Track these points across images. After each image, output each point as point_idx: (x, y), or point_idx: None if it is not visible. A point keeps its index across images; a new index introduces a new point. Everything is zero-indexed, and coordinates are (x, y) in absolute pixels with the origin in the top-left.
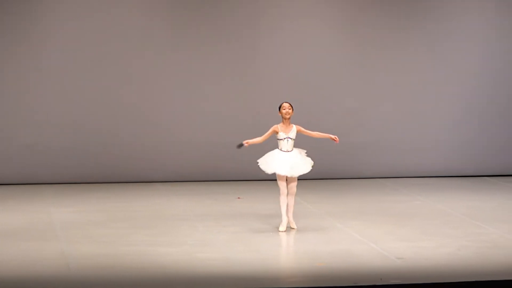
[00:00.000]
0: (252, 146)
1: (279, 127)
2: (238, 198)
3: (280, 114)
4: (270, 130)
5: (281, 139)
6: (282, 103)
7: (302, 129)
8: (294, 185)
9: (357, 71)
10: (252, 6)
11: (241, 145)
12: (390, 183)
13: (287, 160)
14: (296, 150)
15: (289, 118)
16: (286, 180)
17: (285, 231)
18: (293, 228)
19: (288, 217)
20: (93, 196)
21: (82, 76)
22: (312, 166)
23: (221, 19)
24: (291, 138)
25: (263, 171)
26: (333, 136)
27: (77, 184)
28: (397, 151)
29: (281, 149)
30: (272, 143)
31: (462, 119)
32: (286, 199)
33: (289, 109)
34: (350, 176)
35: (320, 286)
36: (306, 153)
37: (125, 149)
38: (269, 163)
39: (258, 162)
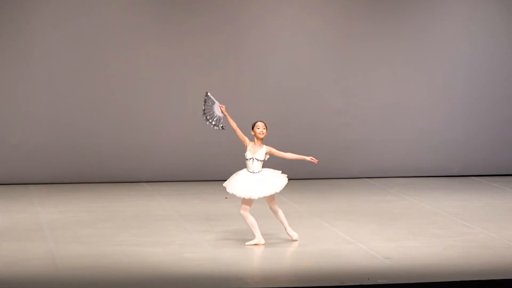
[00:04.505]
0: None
1: (248, 144)
2: (225, 198)
3: (253, 133)
4: (243, 137)
5: (247, 159)
6: (256, 122)
7: (274, 150)
8: (272, 205)
9: (344, 70)
10: (236, 1)
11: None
12: (377, 183)
13: (250, 181)
14: (266, 170)
15: (262, 139)
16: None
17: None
18: (295, 240)
19: (286, 231)
20: (80, 196)
21: (69, 76)
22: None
23: (205, 15)
24: (257, 160)
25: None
26: (308, 158)
27: (64, 184)
28: (384, 150)
29: (248, 170)
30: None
31: (449, 119)
32: (251, 217)
33: (264, 128)
34: (337, 176)
35: (307, 286)
36: (281, 173)
37: (112, 149)
38: (233, 184)
39: (224, 186)
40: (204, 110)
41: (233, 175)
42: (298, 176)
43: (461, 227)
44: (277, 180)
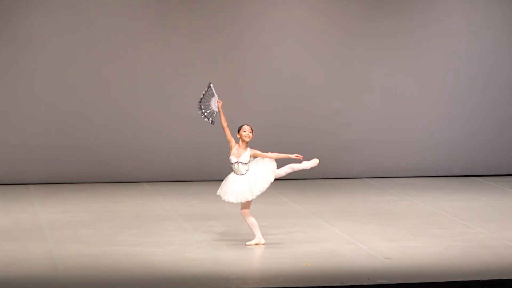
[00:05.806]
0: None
1: (234, 147)
2: None
3: (238, 136)
4: (230, 138)
5: (232, 164)
6: (243, 125)
7: (258, 152)
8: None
9: (344, 70)
10: (236, 1)
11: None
12: (377, 183)
13: (241, 184)
14: (253, 167)
15: (247, 142)
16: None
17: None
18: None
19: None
20: (80, 196)
21: (68, 76)
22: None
23: (205, 15)
24: (242, 163)
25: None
26: (293, 156)
27: (64, 184)
28: (384, 150)
29: (235, 173)
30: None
31: (449, 119)
32: (252, 217)
33: (250, 132)
34: (337, 176)
35: (307, 286)
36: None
37: (112, 149)
38: (225, 191)
39: (219, 195)
40: (201, 99)
41: (223, 181)
42: (298, 176)
43: (461, 227)
44: (266, 172)
